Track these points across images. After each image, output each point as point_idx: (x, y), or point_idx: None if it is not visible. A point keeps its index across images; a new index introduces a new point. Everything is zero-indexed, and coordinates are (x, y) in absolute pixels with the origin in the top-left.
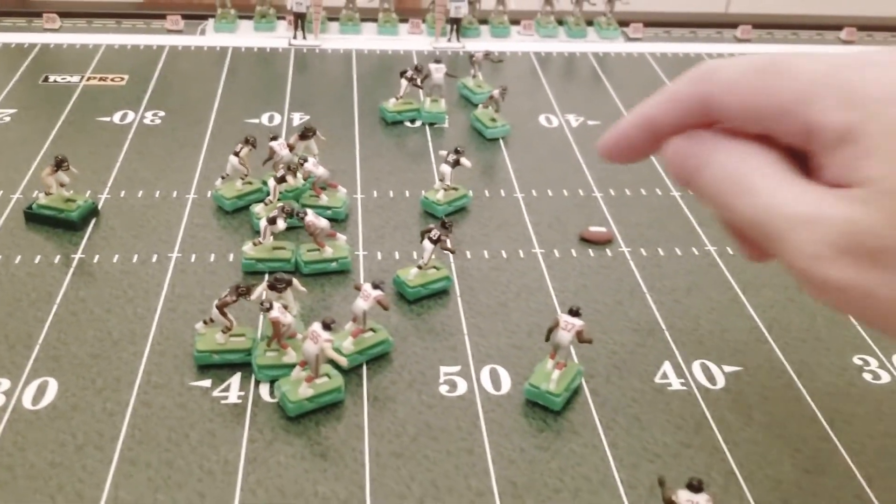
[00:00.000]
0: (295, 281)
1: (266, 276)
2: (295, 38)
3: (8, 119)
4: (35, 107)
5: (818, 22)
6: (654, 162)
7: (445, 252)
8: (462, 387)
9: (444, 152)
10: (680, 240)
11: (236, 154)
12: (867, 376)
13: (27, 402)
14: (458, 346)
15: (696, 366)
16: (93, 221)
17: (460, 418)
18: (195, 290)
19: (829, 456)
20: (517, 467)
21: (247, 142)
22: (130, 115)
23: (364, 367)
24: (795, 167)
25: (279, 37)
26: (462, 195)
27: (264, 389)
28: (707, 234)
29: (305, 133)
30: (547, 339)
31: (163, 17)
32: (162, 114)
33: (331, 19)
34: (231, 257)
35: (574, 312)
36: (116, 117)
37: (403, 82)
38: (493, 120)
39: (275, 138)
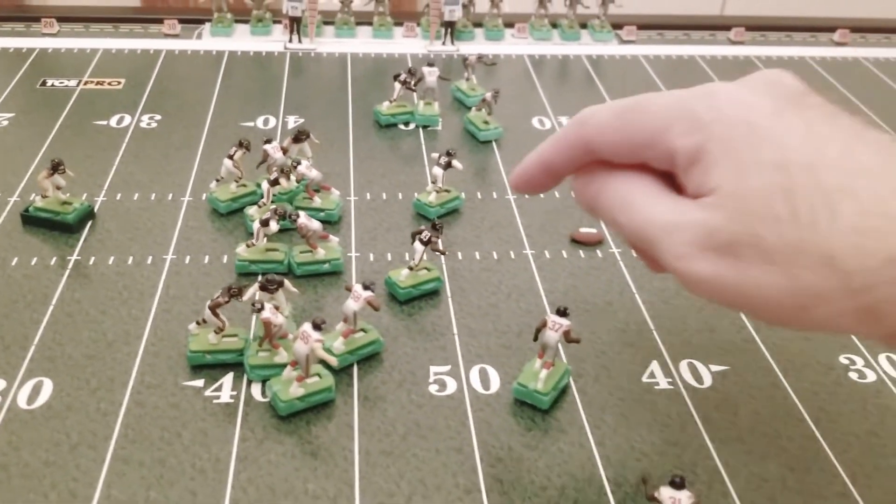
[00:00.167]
0: (286, 282)
1: (259, 278)
2: (290, 41)
3: (6, 123)
4: (33, 111)
5: (811, 24)
6: None
7: (437, 253)
8: (451, 386)
9: (436, 155)
10: None
11: (230, 157)
12: (853, 375)
13: (22, 402)
14: (448, 346)
15: (683, 365)
16: (89, 224)
17: (449, 417)
18: (189, 292)
19: (814, 454)
20: (504, 465)
21: (241, 145)
22: (127, 119)
23: (355, 367)
24: (669, 187)
25: (275, 40)
26: (454, 197)
27: (256, 389)
28: None
29: (299, 136)
30: (535, 339)
31: (160, 21)
32: (158, 117)
33: (326, 23)
34: (225, 259)
35: (561, 312)
36: (113, 121)
37: (397, 85)
38: (486, 123)
39: (268, 141)
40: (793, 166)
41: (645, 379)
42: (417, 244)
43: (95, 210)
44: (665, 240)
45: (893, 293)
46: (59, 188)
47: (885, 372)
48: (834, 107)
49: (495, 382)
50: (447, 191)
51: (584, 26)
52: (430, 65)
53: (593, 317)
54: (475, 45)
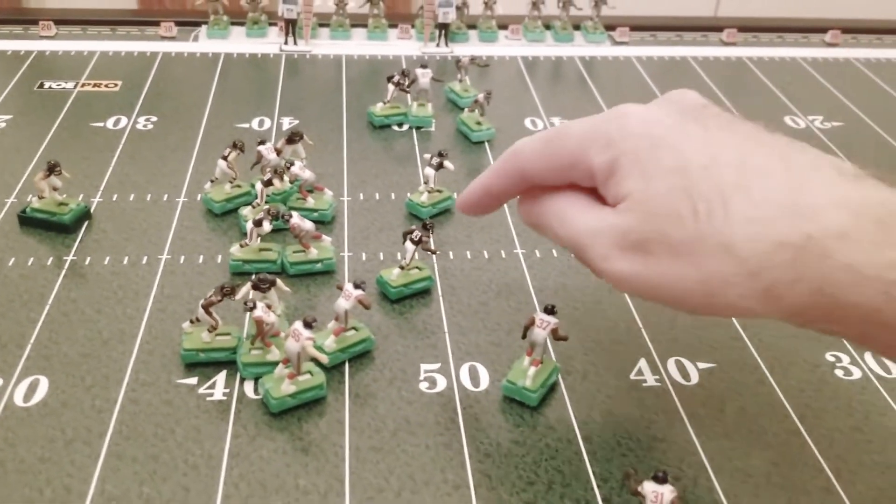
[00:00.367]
0: (279, 281)
1: (252, 277)
2: (286, 43)
3: (3, 125)
4: (30, 113)
5: (803, 25)
6: None
7: (429, 253)
8: (441, 383)
9: (427, 156)
10: None
11: (224, 158)
12: (839, 372)
13: (19, 400)
14: (438, 344)
15: (670, 362)
16: (85, 224)
17: (439, 414)
18: (183, 291)
19: (799, 449)
20: (493, 461)
21: (235, 146)
22: (123, 121)
23: (346, 365)
24: (596, 200)
25: (271, 42)
26: (446, 197)
27: (249, 386)
28: None
29: (292, 137)
30: (524, 337)
31: (156, 23)
32: (154, 119)
33: (321, 25)
34: (219, 259)
35: (549, 310)
36: (110, 123)
37: (391, 87)
38: (479, 123)
39: (262, 142)
40: (691, 169)
41: (633, 376)
42: (408, 244)
43: (91, 211)
44: (590, 244)
45: (785, 274)
46: (55, 189)
47: (870, 369)
48: (732, 116)
49: (485, 380)
50: (439, 191)
51: (577, 28)
52: (424, 66)
53: (583, 315)
54: (469, 47)
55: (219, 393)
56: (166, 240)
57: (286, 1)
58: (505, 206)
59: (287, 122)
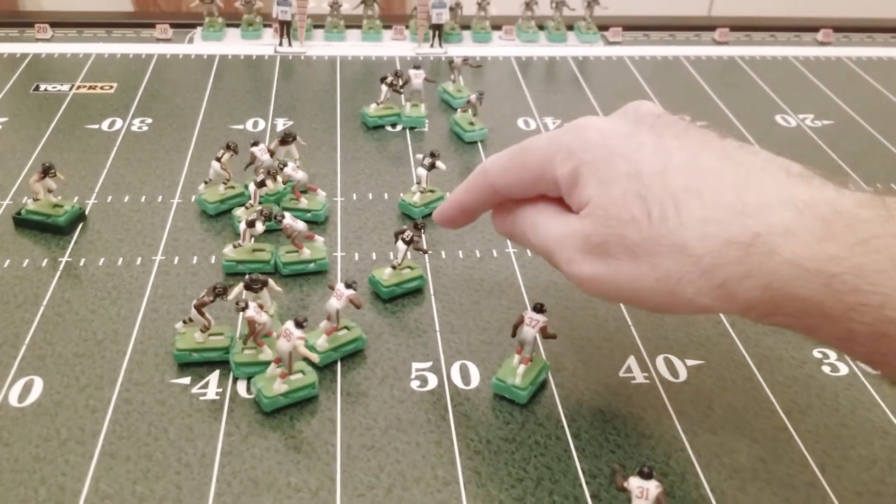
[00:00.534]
0: (271, 281)
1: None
2: (280, 45)
3: None
4: (26, 115)
5: (795, 24)
6: None
7: (421, 252)
8: (433, 382)
9: (419, 156)
10: None
11: (218, 160)
12: (826, 369)
13: (13, 400)
14: (429, 342)
15: (659, 360)
16: (80, 226)
17: (430, 412)
18: (177, 292)
19: (785, 445)
20: (482, 458)
21: (228, 147)
22: (118, 123)
23: (338, 364)
24: (565, 209)
25: (265, 44)
26: (438, 197)
27: (241, 386)
28: None
29: (285, 138)
30: (513, 335)
31: (152, 26)
32: (149, 121)
33: (316, 26)
34: (213, 259)
35: (538, 309)
36: (105, 125)
37: (384, 88)
38: (472, 124)
39: (256, 144)
40: (645, 175)
41: (622, 373)
42: (400, 243)
43: (86, 212)
44: (557, 249)
45: (736, 271)
46: (50, 191)
47: (857, 365)
48: (685, 123)
49: (475, 378)
50: (431, 191)
51: (570, 28)
52: (417, 67)
53: (573, 313)
54: (463, 48)
55: (212, 392)
56: (160, 241)
57: (280, 3)
58: None
59: (281, 124)
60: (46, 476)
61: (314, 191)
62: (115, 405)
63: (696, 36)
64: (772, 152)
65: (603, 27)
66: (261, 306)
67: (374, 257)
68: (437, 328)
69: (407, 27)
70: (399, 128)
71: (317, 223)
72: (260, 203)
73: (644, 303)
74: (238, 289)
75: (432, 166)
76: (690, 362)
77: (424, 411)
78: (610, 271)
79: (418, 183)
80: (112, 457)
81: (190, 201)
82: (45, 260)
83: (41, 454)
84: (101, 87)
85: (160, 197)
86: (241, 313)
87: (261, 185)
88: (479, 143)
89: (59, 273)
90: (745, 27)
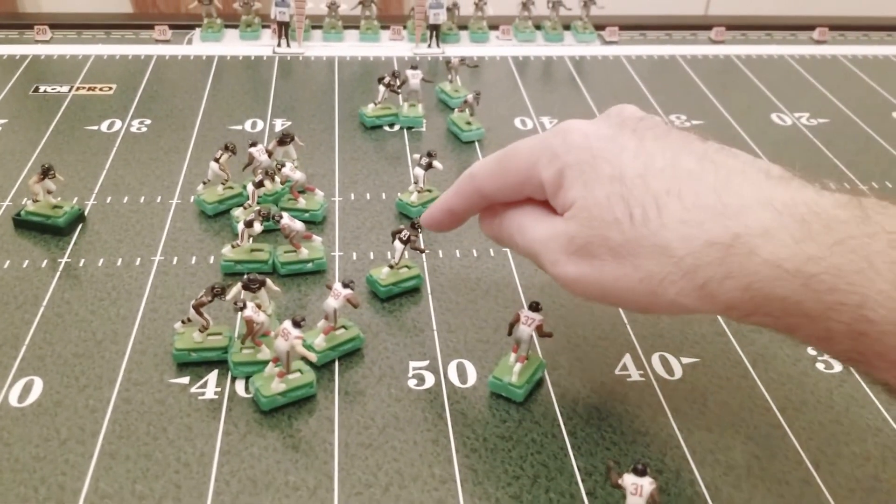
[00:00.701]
0: (269, 281)
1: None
2: (279, 45)
3: None
4: (25, 116)
5: (791, 22)
6: None
7: (418, 252)
8: (430, 380)
9: (416, 156)
10: None
11: (216, 160)
12: (820, 366)
13: (13, 400)
14: (427, 341)
15: (655, 358)
16: (79, 227)
17: (427, 410)
18: (176, 292)
19: (780, 442)
20: (479, 456)
21: (226, 148)
22: (118, 124)
23: (336, 363)
24: (551, 212)
25: (264, 45)
26: (436, 196)
27: (240, 385)
28: None
29: (283, 139)
30: (509, 334)
31: (151, 27)
32: (148, 122)
33: (314, 27)
34: (211, 259)
35: (534, 307)
36: (104, 126)
37: (381, 88)
38: (469, 123)
39: (254, 144)
40: (626, 177)
41: (617, 371)
42: (397, 243)
43: (85, 213)
44: (543, 251)
45: (717, 272)
46: (49, 192)
47: None
48: (667, 126)
49: (472, 376)
50: (429, 190)
51: (567, 28)
52: (414, 67)
53: (569, 311)
54: (460, 48)
55: (210, 392)
56: (159, 241)
57: (279, 4)
58: None
59: (280, 124)
60: (46, 475)
61: (312, 191)
62: (114, 405)
63: (693, 35)
64: (768, 151)
65: (599, 27)
66: (259, 306)
67: (372, 257)
68: (435, 327)
69: (404, 27)
70: (397, 128)
71: (315, 223)
72: (258, 203)
73: (628, 303)
74: (236, 289)
75: (429, 166)
76: (686, 360)
77: (422, 410)
78: (594, 272)
79: (416, 183)
80: (111, 456)
81: (188, 202)
82: (45, 261)
83: (41, 454)
84: (101, 89)
85: (159, 197)
86: (239, 313)
87: (259, 185)
88: (477, 143)
89: (58, 274)
90: (741, 26)
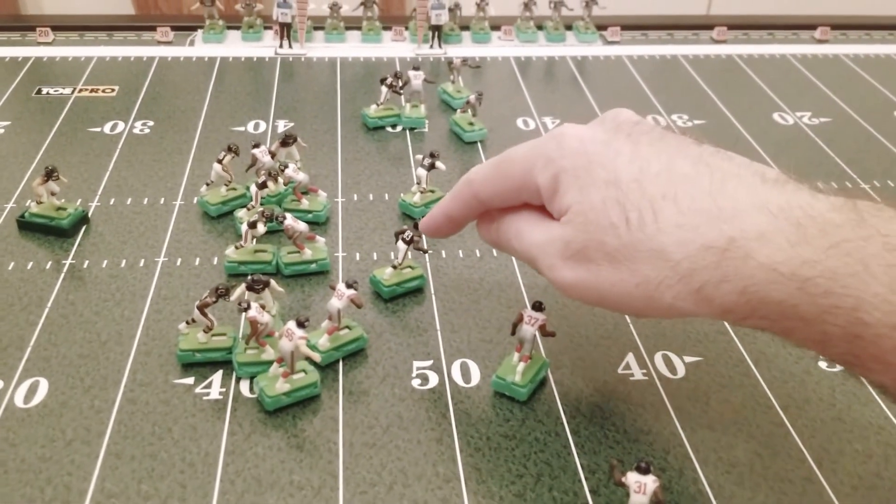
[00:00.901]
0: (272, 282)
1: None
2: (281, 47)
3: (2, 131)
4: (28, 118)
5: (792, 22)
6: None
7: (421, 252)
8: (433, 380)
9: (419, 156)
10: None
11: (219, 162)
12: (822, 364)
13: (19, 401)
14: (430, 341)
15: (657, 357)
16: (83, 228)
17: (430, 410)
18: (180, 293)
19: (782, 440)
20: (483, 454)
21: (229, 150)
22: (120, 126)
23: (340, 363)
24: (548, 217)
25: (266, 46)
26: (438, 197)
27: (244, 385)
28: None
29: (286, 140)
30: (512, 334)
31: (153, 28)
32: (151, 123)
33: (316, 28)
34: (215, 261)
35: (537, 307)
36: (107, 127)
37: (384, 89)
38: (471, 124)
39: (257, 146)
40: (622, 182)
41: (620, 370)
42: (400, 243)
43: (89, 215)
44: (540, 255)
45: (713, 276)
46: (53, 194)
47: None
48: (662, 130)
49: (475, 376)
50: (431, 191)
51: (568, 28)
52: (416, 68)
53: (572, 311)
54: (462, 48)
55: (215, 392)
56: (163, 242)
57: (281, 5)
58: None
59: (282, 125)
60: (52, 476)
61: (315, 192)
62: (119, 405)
63: (695, 35)
64: (769, 150)
65: (601, 27)
66: (263, 307)
67: (375, 257)
68: (438, 327)
69: (406, 28)
70: (399, 128)
71: (318, 224)
72: (261, 204)
73: (625, 307)
74: (240, 289)
75: (432, 166)
76: (688, 359)
77: (425, 409)
78: (591, 276)
79: (418, 183)
80: (117, 456)
81: (192, 203)
82: (49, 262)
83: (47, 454)
84: (103, 91)
85: (162, 199)
86: (244, 314)
87: (262, 186)
88: (479, 144)
89: (62, 275)
90: (743, 25)
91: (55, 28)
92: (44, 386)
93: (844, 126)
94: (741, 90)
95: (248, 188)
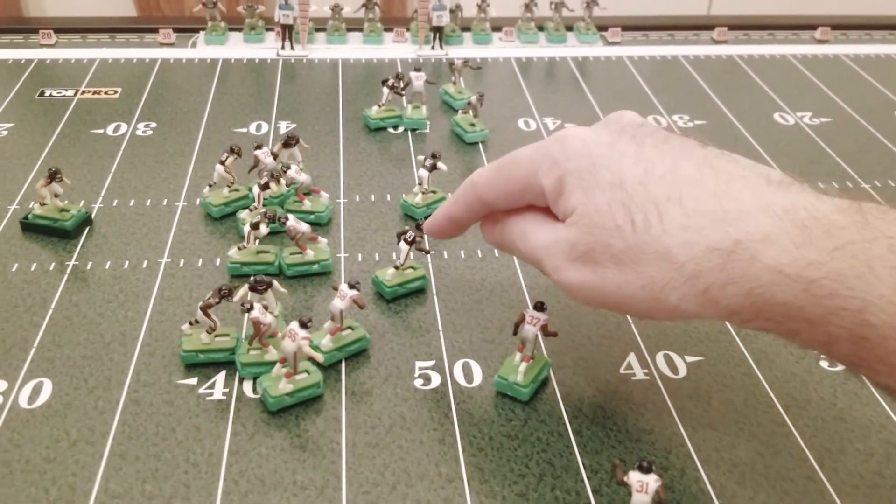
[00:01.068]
0: (275, 283)
1: (250, 279)
2: (283, 48)
3: (5, 133)
4: (31, 120)
5: (793, 22)
6: None
7: (423, 253)
8: (436, 380)
9: (421, 157)
10: None
11: (222, 163)
12: (823, 364)
13: (23, 402)
14: (432, 341)
15: (659, 356)
16: (86, 230)
17: (433, 410)
18: (183, 294)
19: (784, 439)
20: (485, 454)
21: (232, 151)
22: (123, 127)
23: (343, 364)
24: (552, 218)
25: (268, 48)
26: (440, 198)
27: (248, 386)
28: None
29: (288, 141)
30: (514, 334)
31: (155, 30)
32: (154, 125)
33: (318, 30)
34: (218, 262)
35: (539, 307)
36: (110, 129)
37: (385, 90)
38: (473, 125)
39: (259, 147)
40: (627, 184)
41: (622, 370)
42: (402, 244)
43: (92, 216)
44: (545, 257)
45: (718, 278)
46: (56, 196)
47: None
48: (666, 132)
49: (478, 376)
50: (433, 192)
51: (569, 29)
52: (417, 69)
53: (574, 311)
54: (463, 49)
55: (218, 392)
56: (166, 244)
57: (282, 7)
58: None
59: (284, 126)
60: (57, 476)
61: (317, 193)
62: (123, 406)
63: (695, 35)
64: (770, 150)
65: (602, 27)
66: (265, 307)
67: (377, 258)
68: (440, 327)
69: (408, 29)
70: (401, 129)
71: (320, 225)
72: (264, 205)
73: (630, 309)
74: (243, 290)
75: (434, 167)
76: (690, 359)
77: (428, 409)
78: (596, 278)
79: (420, 184)
80: (121, 457)
81: (194, 204)
82: (53, 264)
83: (51, 455)
84: (106, 92)
85: (165, 200)
86: (247, 314)
87: (264, 187)
88: (480, 144)
89: (66, 277)
90: (744, 26)
91: (58, 30)
92: (48, 387)
93: (845, 126)
94: (742, 90)
95: (250, 189)
